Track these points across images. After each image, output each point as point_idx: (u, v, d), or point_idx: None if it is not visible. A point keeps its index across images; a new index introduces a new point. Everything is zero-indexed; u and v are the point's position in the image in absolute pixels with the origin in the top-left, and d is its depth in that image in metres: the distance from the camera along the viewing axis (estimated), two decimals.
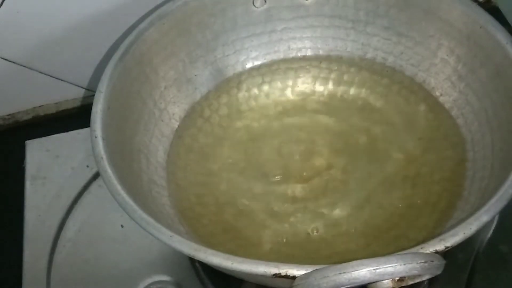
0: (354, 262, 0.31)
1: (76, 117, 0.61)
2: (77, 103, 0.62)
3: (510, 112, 0.43)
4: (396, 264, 0.31)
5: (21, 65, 0.56)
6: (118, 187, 0.39)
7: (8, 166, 0.58)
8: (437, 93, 0.50)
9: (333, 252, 0.44)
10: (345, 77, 0.53)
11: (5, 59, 0.55)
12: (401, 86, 0.52)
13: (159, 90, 0.50)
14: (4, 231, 0.54)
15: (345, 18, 0.53)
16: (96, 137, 0.42)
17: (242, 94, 0.53)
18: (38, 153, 0.56)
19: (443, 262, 0.33)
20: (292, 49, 0.54)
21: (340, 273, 0.31)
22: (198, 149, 0.50)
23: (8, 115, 0.61)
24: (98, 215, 0.52)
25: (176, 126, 0.51)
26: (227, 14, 0.52)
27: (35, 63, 0.56)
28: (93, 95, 0.44)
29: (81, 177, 0.54)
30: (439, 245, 0.33)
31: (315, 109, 0.53)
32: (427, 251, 0.33)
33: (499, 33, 0.44)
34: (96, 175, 0.54)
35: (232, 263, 0.34)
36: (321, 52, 0.54)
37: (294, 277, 0.33)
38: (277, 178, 0.48)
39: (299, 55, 0.54)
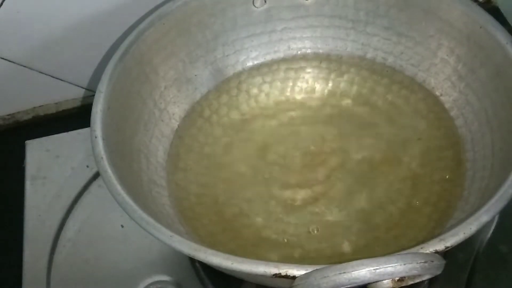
0: (354, 262, 0.31)
1: (76, 117, 0.61)
2: (77, 103, 0.62)
3: (510, 112, 0.43)
4: (396, 264, 0.31)
5: (21, 65, 0.56)
6: (118, 187, 0.39)
7: (8, 166, 0.58)
8: (437, 93, 0.50)
9: (333, 252, 0.44)
10: (345, 77, 0.53)
11: (5, 59, 0.55)
12: (401, 86, 0.52)
13: (159, 90, 0.50)
14: (4, 231, 0.54)
15: (345, 18, 0.53)
16: (96, 137, 0.42)
17: (242, 94, 0.53)
18: (38, 153, 0.56)
19: (443, 262, 0.33)
20: (292, 49, 0.54)
21: (340, 273, 0.31)
22: (198, 149, 0.50)
23: (8, 115, 0.61)
24: (98, 215, 0.52)
25: (176, 126, 0.51)
26: (227, 14, 0.52)
27: (35, 63, 0.56)
28: (93, 95, 0.44)
29: (81, 177, 0.54)
30: (439, 245, 0.33)
31: (315, 109, 0.53)
32: (427, 251, 0.33)
33: (499, 33, 0.44)
34: (96, 175, 0.54)
35: (232, 263, 0.34)
36: (321, 52, 0.54)
37: (294, 277, 0.33)
38: (277, 178, 0.48)
39: (299, 55, 0.54)
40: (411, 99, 0.51)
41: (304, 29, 0.54)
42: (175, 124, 0.51)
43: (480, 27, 0.45)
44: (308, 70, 0.54)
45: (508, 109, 0.43)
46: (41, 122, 0.61)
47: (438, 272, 0.33)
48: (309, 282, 0.32)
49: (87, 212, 0.52)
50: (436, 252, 0.33)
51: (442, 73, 0.50)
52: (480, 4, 0.48)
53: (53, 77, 0.58)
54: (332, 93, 0.53)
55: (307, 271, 0.33)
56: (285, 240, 0.45)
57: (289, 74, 0.54)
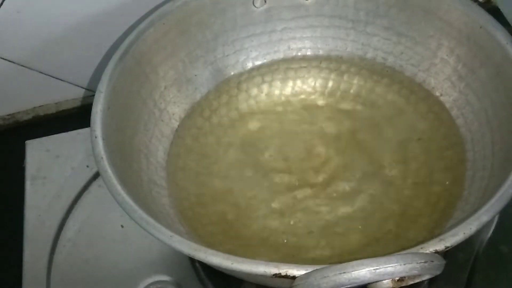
0: (354, 262, 0.31)
1: (76, 117, 0.61)
2: (77, 103, 0.62)
3: (510, 112, 0.43)
4: (396, 264, 0.31)
5: (21, 65, 0.56)
6: (118, 187, 0.39)
7: (8, 166, 0.58)
8: (437, 93, 0.50)
9: (333, 252, 0.44)
10: (345, 77, 0.53)
11: (5, 59, 0.55)
12: (401, 86, 0.52)
13: (159, 90, 0.50)
14: (4, 231, 0.54)
15: (345, 18, 0.53)
16: (96, 137, 0.42)
17: (242, 94, 0.53)
18: (38, 153, 0.56)
19: (443, 262, 0.33)
20: (292, 49, 0.54)
21: (340, 273, 0.31)
22: (198, 149, 0.50)
23: (8, 115, 0.61)
24: (98, 215, 0.52)
25: (176, 126, 0.51)
26: (227, 14, 0.52)
27: (35, 63, 0.56)
28: (93, 95, 0.44)
29: (81, 177, 0.54)
30: (439, 245, 0.33)
31: (315, 109, 0.53)
32: (427, 251, 0.33)
33: (499, 33, 0.44)
34: (96, 175, 0.54)
35: (232, 263, 0.34)
36: (321, 52, 0.54)
37: (294, 277, 0.33)
38: (277, 178, 0.48)
39: (299, 55, 0.54)
40: (411, 99, 0.51)
41: (304, 29, 0.54)
42: (175, 124, 0.51)
43: (480, 27, 0.45)
44: (308, 70, 0.54)
45: (508, 109, 0.43)
46: (41, 122, 0.61)
47: (438, 272, 0.33)
48: (309, 282, 0.32)
49: (87, 212, 0.52)
50: (436, 252, 0.33)
51: (442, 73, 0.50)
52: (480, 4, 0.48)
53: (53, 77, 0.58)
54: (332, 93, 0.53)
55: (307, 271, 0.33)
56: (285, 240, 0.45)
57: (289, 74, 0.54)
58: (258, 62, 0.54)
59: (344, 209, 0.46)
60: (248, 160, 0.50)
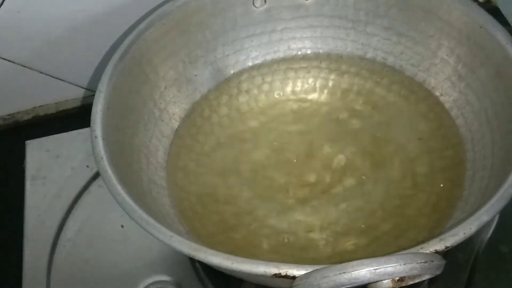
0: (354, 262, 0.31)
1: (76, 117, 0.61)
2: (77, 103, 0.62)
3: (510, 112, 0.43)
4: (396, 264, 0.31)
5: (21, 65, 0.56)
6: (118, 187, 0.39)
7: (8, 166, 0.58)
8: (437, 93, 0.50)
9: (333, 252, 0.44)
10: (345, 77, 0.53)
11: (5, 59, 0.55)
12: (401, 86, 0.52)
13: (159, 90, 0.50)
14: (4, 231, 0.54)
15: (345, 18, 0.53)
16: (96, 137, 0.42)
17: (242, 94, 0.53)
18: (38, 153, 0.56)
19: (443, 262, 0.33)
20: (292, 49, 0.54)
21: (340, 273, 0.31)
22: (198, 149, 0.50)
23: (8, 115, 0.61)
24: (98, 215, 0.52)
25: (176, 126, 0.51)
26: (227, 14, 0.52)
27: (35, 63, 0.56)
28: (93, 95, 0.44)
29: (81, 177, 0.54)
30: (439, 245, 0.33)
31: (315, 109, 0.53)
32: (427, 251, 0.33)
33: (499, 33, 0.44)
34: (96, 175, 0.54)
35: (232, 263, 0.34)
36: (321, 52, 0.54)
37: (294, 277, 0.33)
38: (277, 178, 0.48)
39: (299, 55, 0.54)
40: (411, 99, 0.51)
41: (304, 29, 0.54)
42: (175, 124, 0.51)
43: (480, 27, 0.45)
44: (308, 70, 0.54)
45: (508, 109, 0.43)
46: (41, 122, 0.61)
47: (438, 272, 0.33)
48: (309, 282, 0.32)
49: (87, 212, 0.52)
50: (436, 252, 0.33)
51: (442, 73, 0.50)
52: (480, 4, 0.48)
53: (53, 77, 0.58)
54: (332, 93, 0.53)
55: (307, 271, 0.33)
56: (285, 240, 0.45)
57: (289, 74, 0.54)
58: (258, 62, 0.54)
59: (344, 209, 0.46)
60: (248, 160, 0.50)
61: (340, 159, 0.49)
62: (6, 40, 0.53)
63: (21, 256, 0.50)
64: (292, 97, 0.54)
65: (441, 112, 0.49)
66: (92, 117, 0.43)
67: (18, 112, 0.61)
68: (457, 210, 0.43)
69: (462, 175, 0.45)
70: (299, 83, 0.54)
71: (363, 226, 0.45)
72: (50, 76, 0.58)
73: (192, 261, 0.48)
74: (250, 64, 0.54)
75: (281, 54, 0.54)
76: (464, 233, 0.34)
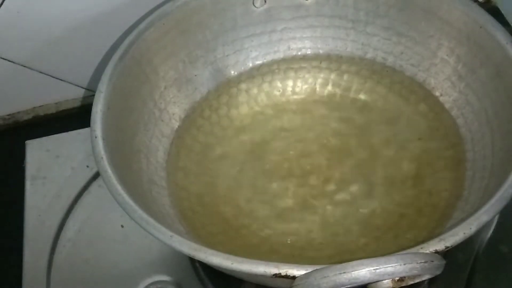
0: (354, 262, 0.31)
1: (76, 117, 0.61)
2: (77, 103, 0.62)
3: (510, 112, 0.43)
4: (396, 264, 0.31)
5: (21, 65, 0.56)
6: (118, 187, 0.39)
7: (8, 166, 0.58)
8: (437, 93, 0.50)
9: (333, 252, 0.44)
10: (345, 77, 0.53)
11: (5, 59, 0.55)
12: (401, 86, 0.52)
13: (159, 90, 0.50)
14: (4, 231, 0.54)
15: (345, 18, 0.53)
16: (96, 137, 0.42)
17: (242, 94, 0.53)
18: (38, 153, 0.56)
19: (443, 262, 0.33)
20: (292, 49, 0.54)
21: (340, 273, 0.31)
22: (198, 149, 0.50)
23: (8, 115, 0.61)
24: (98, 215, 0.52)
25: (176, 126, 0.51)
26: (227, 14, 0.52)
27: (35, 63, 0.56)
28: (93, 95, 0.44)
29: (81, 177, 0.54)
30: (439, 245, 0.33)
31: (315, 109, 0.53)
32: (427, 251, 0.33)
33: (499, 33, 0.44)
34: (96, 175, 0.54)
35: (232, 263, 0.34)
36: (321, 52, 0.54)
37: (294, 277, 0.33)
38: (277, 178, 0.48)
39: (299, 55, 0.54)
40: (411, 99, 0.51)
41: (304, 29, 0.54)
42: (175, 124, 0.51)
43: (480, 27, 0.45)
44: (308, 70, 0.54)
45: (508, 109, 0.43)
46: (41, 122, 0.61)
47: (438, 272, 0.33)
48: (309, 282, 0.32)
49: (87, 212, 0.52)
50: (436, 252, 0.33)
51: (442, 73, 0.50)
52: (480, 4, 0.48)
53: (53, 77, 0.58)
54: (332, 93, 0.53)
55: (307, 271, 0.33)
56: (287, 240, 0.45)
57: (289, 74, 0.54)
58: (258, 62, 0.54)
59: (344, 209, 0.46)
60: (248, 160, 0.50)
61: (339, 159, 0.49)
62: (6, 40, 0.53)
63: (21, 256, 0.50)
64: (292, 97, 0.54)
65: (441, 112, 0.49)
66: (92, 117, 0.43)
67: (18, 112, 0.61)
68: (457, 210, 0.43)
69: (462, 175, 0.45)
70: (299, 83, 0.54)
71: (363, 226, 0.45)
72: (50, 76, 0.58)
73: (192, 261, 0.48)
74: (250, 64, 0.54)
75: (281, 54, 0.54)
76: (464, 233, 0.34)
